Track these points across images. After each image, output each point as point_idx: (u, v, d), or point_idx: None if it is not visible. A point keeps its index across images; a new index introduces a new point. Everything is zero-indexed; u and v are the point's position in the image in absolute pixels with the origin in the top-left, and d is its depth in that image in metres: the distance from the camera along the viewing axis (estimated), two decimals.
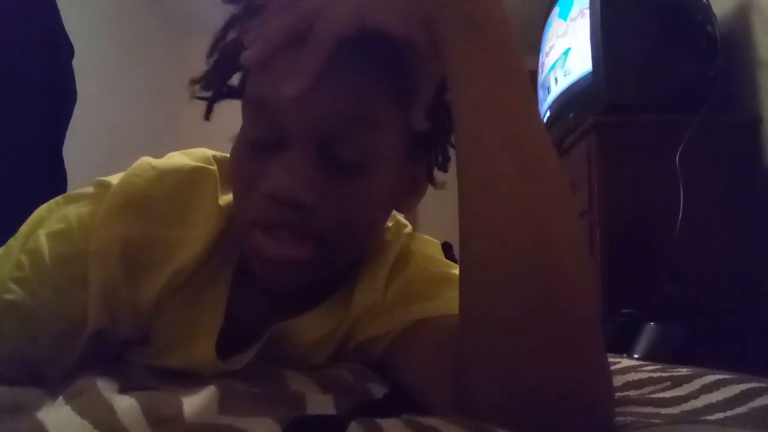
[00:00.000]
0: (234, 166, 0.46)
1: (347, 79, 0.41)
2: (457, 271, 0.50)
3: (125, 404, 0.34)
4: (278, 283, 0.46)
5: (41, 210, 0.51)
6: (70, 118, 1.19)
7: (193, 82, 0.52)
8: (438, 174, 0.56)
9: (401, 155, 0.47)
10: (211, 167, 0.51)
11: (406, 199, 0.54)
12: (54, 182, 1.14)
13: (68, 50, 1.17)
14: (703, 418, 0.37)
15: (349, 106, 0.41)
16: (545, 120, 1.89)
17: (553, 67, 1.84)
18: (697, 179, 1.32)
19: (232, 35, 0.50)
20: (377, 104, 0.43)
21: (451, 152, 0.54)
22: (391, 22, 0.38)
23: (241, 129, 0.46)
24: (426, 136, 0.49)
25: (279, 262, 0.43)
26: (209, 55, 0.51)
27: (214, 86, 0.52)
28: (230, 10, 0.50)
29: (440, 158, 0.55)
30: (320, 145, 0.42)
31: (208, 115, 0.54)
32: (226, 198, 0.50)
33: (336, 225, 0.43)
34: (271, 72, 0.41)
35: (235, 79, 0.53)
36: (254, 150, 0.44)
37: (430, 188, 0.57)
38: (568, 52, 1.71)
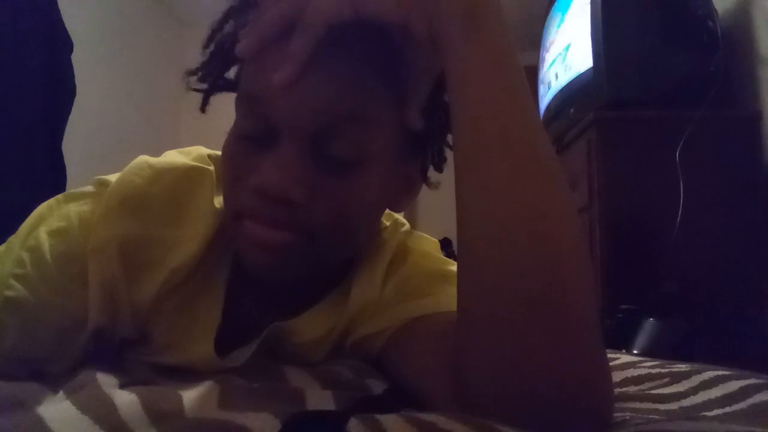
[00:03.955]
0: (225, 160, 0.46)
1: (341, 74, 0.41)
2: (455, 268, 0.50)
3: (126, 399, 0.35)
4: (266, 270, 0.46)
5: (42, 208, 0.51)
6: (70, 113, 1.19)
7: (189, 73, 0.52)
8: (434, 173, 0.56)
9: (395, 153, 0.47)
10: (208, 167, 0.51)
11: (400, 198, 0.53)
12: (54, 177, 1.14)
13: (67, 45, 1.17)
14: (701, 414, 0.37)
15: (342, 101, 0.41)
16: (545, 115, 1.89)
17: (553, 62, 1.84)
18: (697, 175, 1.32)
19: (228, 27, 0.50)
20: (372, 101, 0.43)
21: (447, 152, 0.53)
22: (389, 10, 0.38)
23: (234, 123, 0.46)
24: (421, 134, 0.48)
25: (264, 245, 0.43)
26: (205, 46, 0.51)
27: (209, 78, 0.52)
28: (228, 2, 0.50)
29: (436, 158, 0.55)
30: (312, 141, 0.42)
31: (203, 108, 0.54)
32: (222, 197, 0.50)
33: (325, 222, 0.43)
34: (263, 64, 0.41)
35: (232, 73, 0.53)
36: (246, 144, 0.44)
37: None
38: (568, 48, 1.71)
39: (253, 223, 0.43)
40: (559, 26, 1.81)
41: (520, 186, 0.35)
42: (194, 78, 0.52)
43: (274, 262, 0.44)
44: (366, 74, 0.42)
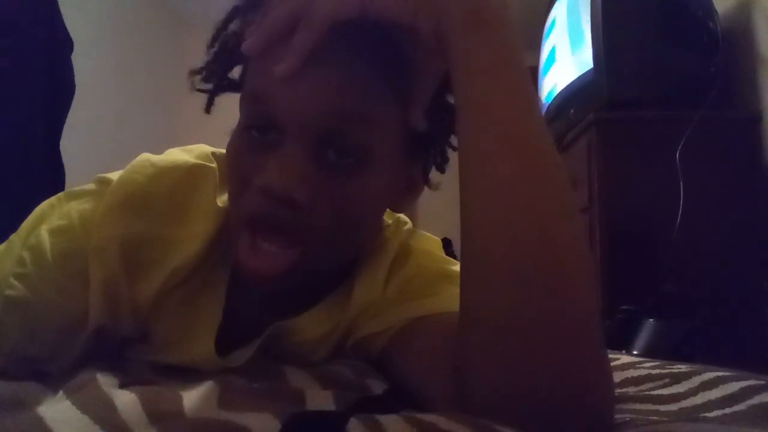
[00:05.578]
0: (230, 161, 0.46)
1: (345, 74, 0.41)
2: (457, 268, 0.50)
3: (125, 399, 0.35)
4: (265, 286, 0.45)
5: (43, 206, 0.51)
6: (68, 112, 1.19)
7: (193, 73, 0.52)
8: (435, 174, 0.56)
9: (398, 154, 0.47)
10: (211, 165, 0.51)
11: (402, 198, 0.53)
12: (52, 177, 1.14)
13: (67, 45, 1.17)
14: (701, 415, 0.37)
15: (346, 102, 0.41)
16: (545, 116, 1.89)
17: (553, 62, 1.84)
18: (697, 176, 1.32)
19: (233, 27, 0.50)
20: (376, 101, 0.43)
21: (450, 152, 0.53)
22: (396, 10, 0.38)
23: (238, 123, 0.46)
24: (424, 135, 0.48)
25: (260, 274, 0.43)
26: (210, 45, 0.51)
27: (214, 78, 0.52)
28: (231, 2, 0.50)
29: (438, 158, 0.55)
30: (316, 142, 0.42)
31: (208, 108, 0.53)
32: (225, 196, 0.49)
33: (328, 222, 0.43)
34: (268, 62, 0.41)
35: (235, 73, 0.52)
36: (250, 144, 0.44)
37: None
38: (568, 48, 1.71)
39: (250, 250, 0.42)
40: (558, 26, 1.81)
41: (524, 187, 0.35)
42: (198, 78, 0.52)
43: (273, 280, 0.44)
44: (371, 75, 0.42)
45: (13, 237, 0.51)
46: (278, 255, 0.43)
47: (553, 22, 1.86)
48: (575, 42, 1.65)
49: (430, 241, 0.61)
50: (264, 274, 0.43)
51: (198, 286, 0.50)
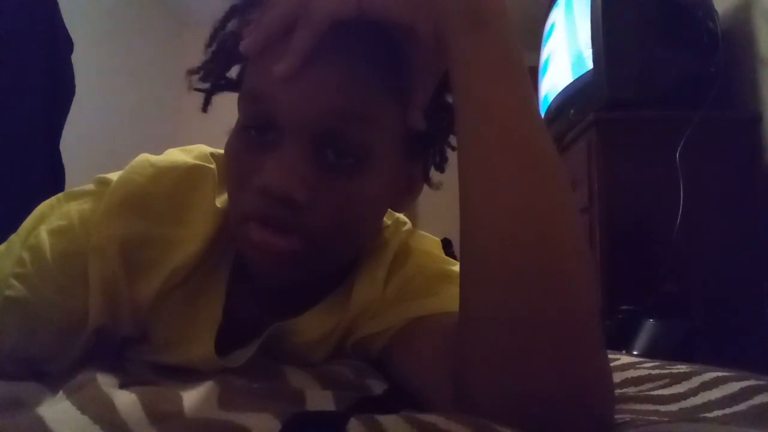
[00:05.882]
0: (228, 161, 0.46)
1: (344, 74, 0.41)
2: (457, 268, 0.50)
3: (125, 399, 0.35)
4: (269, 274, 0.46)
5: (43, 206, 0.51)
6: (68, 112, 1.19)
7: (191, 72, 0.52)
8: (434, 173, 0.56)
9: (398, 154, 0.47)
10: (210, 165, 0.51)
11: (402, 198, 0.53)
12: (52, 176, 1.14)
13: (67, 45, 1.17)
14: (701, 415, 0.37)
15: (346, 102, 0.41)
16: (545, 117, 1.89)
17: (553, 63, 1.84)
18: (697, 176, 1.32)
19: (231, 26, 0.50)
20: (375, 101, 0.43)
21: (449, 152, 0.53)
22: (395, 10, 0.38)
23: (236, 123, 0.46)
24: (424, 135, 0.48)
25: (268, 250, 0.43)
26: (208, 45, 0.51)
27: (211, 77, 0.52)
28: (231, 1, 0.50)
29: (437, 158, 0.55)
30: (315, 142, 0.42)
31: (205, 107, 0.54)
32: (224, 196, 0.49)
33: (328, 222, 0.43)
34: (267, 62, 0.41)
35: (233, 72, 0.52)
36: (249, 144, 0.44)
37: None
38: (569, 49, 1.71)
39: (259, 227, 0.42)
40: (559, 26, 1.81)
41: (523, 187, 0.35)
42: (196, 77, 0.52)
43: (276, 266, 0.44)
44: (370, 74, 0.42)
45: (12, 237, 0.51)
46: (286, 236, 0.42)
47: (552, 25, 1.86)
48: (574, 43, 1.65)
49: (430, 242, 0.61)
50: (272, 249, 0.42)
51: (198, 286, 0.50)
